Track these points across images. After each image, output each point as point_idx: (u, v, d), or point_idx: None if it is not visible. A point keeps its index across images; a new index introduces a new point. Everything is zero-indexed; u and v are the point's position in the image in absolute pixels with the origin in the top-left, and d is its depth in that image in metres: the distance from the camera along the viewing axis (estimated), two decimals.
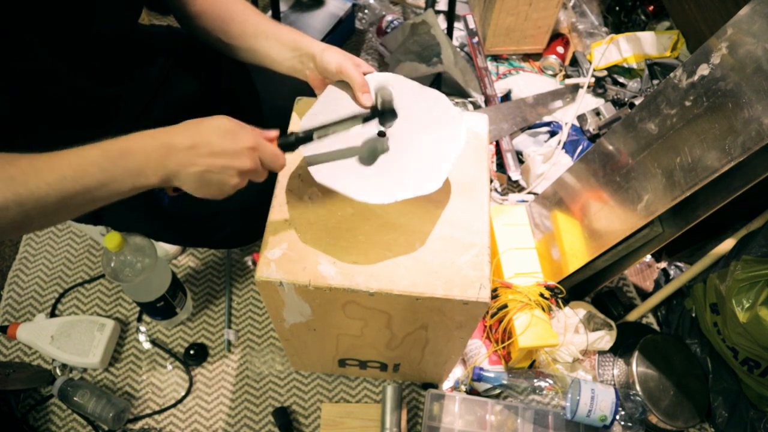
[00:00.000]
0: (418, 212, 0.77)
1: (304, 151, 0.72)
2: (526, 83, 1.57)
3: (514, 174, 1.39)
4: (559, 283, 1.09)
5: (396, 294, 0.71)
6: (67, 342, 1.12)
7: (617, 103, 1.51)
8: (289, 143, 0.69)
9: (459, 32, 1.69)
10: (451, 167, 0.72)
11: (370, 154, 0.73)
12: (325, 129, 0.70)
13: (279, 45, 0.78)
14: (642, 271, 1.31)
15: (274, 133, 0.68)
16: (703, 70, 0.77)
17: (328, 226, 0.75)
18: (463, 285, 0.72)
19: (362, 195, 0.69)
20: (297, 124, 0.84)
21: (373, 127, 0.74)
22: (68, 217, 0.59)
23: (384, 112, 0.72)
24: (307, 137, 0.69)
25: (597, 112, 1.49)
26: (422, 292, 0.71)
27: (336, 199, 0.77)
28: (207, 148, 0.59)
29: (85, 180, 0.55)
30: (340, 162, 0.72)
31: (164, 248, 1.26)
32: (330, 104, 0.77)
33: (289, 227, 0.75)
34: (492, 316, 1.10)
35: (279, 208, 0.77)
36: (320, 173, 0.71)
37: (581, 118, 1.50)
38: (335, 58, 0.75)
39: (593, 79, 1.55)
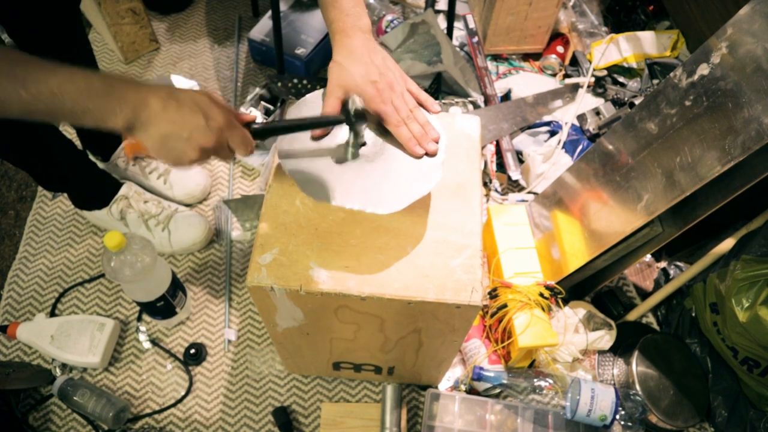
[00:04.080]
0: (410, 215, 0.76)
1: (280, 144, 0.75)
2: (526, 83, 1.57)
3: (514, 174, 1.39)
4: (558, 282, 1.09)
5: (388, 298, 0.71)
6: (67, 341, 1.12)
7: (617, 103, 1.50)
8: (260, 131, 0.68)
9: (459, 32, 1.68)
10: (409, 202, 0.71)
11: (341, 156, 0.74)
12: (300, 124, 0.74)
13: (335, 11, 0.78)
14: (642, 271, 1.30)
15: (250, 116, 0.68)
16: (703, 69, 0.76)
17: (320, 230, 0.75)
18: (455, 288, 0.71)
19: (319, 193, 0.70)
20: None
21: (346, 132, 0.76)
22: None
23: (355, 118, 0.72)
24: (279, 128, 0.73)
25: (597, 112, 1.49)
26: (414, 296, 0.71)
27: None
28: (177, 116, 0.60)
29: (62, 103, 0.57)
30: (317, 162, 0.74)
31: (195, 182, 1.33)
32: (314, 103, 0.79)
33: (280, 232, 0.75)
34: (492, 315, 1.10)
35: (270, 212, 0.77)
36: (291, 165, 0.73)
37: (581, 117, 1.49)
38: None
39: (593, 79, 1.55)
